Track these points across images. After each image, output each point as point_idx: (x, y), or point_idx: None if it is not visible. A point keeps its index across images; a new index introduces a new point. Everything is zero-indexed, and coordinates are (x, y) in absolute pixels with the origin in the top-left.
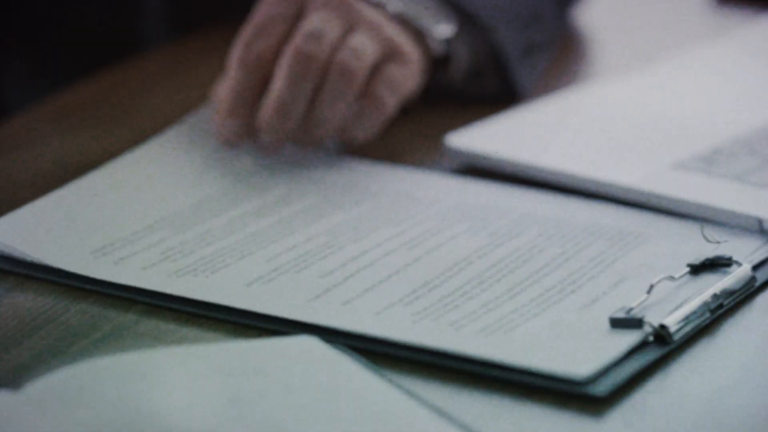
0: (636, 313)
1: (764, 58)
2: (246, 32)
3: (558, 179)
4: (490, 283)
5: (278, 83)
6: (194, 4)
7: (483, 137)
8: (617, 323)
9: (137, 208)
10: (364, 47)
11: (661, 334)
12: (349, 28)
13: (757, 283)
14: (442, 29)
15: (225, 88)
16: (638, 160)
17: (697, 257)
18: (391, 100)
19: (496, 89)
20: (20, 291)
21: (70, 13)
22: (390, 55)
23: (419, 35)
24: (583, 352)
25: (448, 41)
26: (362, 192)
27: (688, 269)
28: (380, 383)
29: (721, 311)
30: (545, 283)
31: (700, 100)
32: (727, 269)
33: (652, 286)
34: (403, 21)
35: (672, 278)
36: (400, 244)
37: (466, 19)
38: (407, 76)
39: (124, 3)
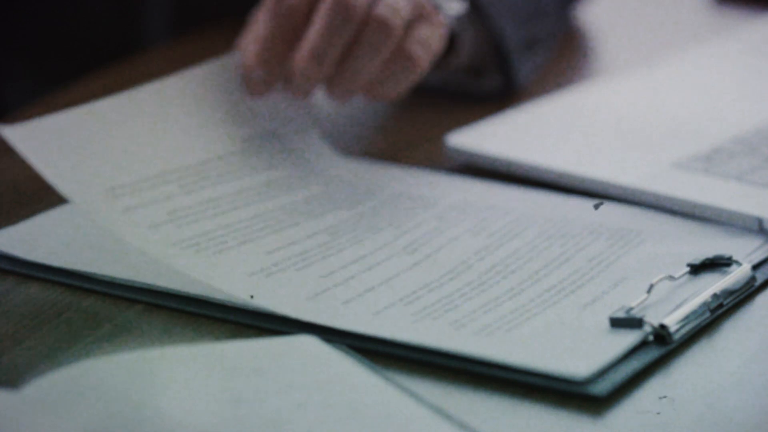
0: (636, 313)
1: (764, 58)
2: None
3: (558, 179)
4: (490, 284)
5: (315, 30)
6: (198, 4)
7: (483, 137)
8: (617, 323)
9: (151, 149)
10: (399, 4)
11: (661, 334)
12: None
13: (757, 283)
14: (454, 6)
15: (254, 39)
16: (638, 159)
17: (697, 257)
18: (424, 58)
19: (496, 87)
20: (20, 291)
21: (72, 13)
22: (420, 16)
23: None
24: (583, 351)
25: (457, 21)
26: (363, 191)
27: (688, 269)
28: (380, 383)
29: (721, 311)
30: (545, 283)
31: (700, 100)
32: (727, 269)
33: (651, 286)
34: None
35: (672, 278)
36: (400, 246)
37: (472, 9)
38: (437, 37)
39: (127, 3)
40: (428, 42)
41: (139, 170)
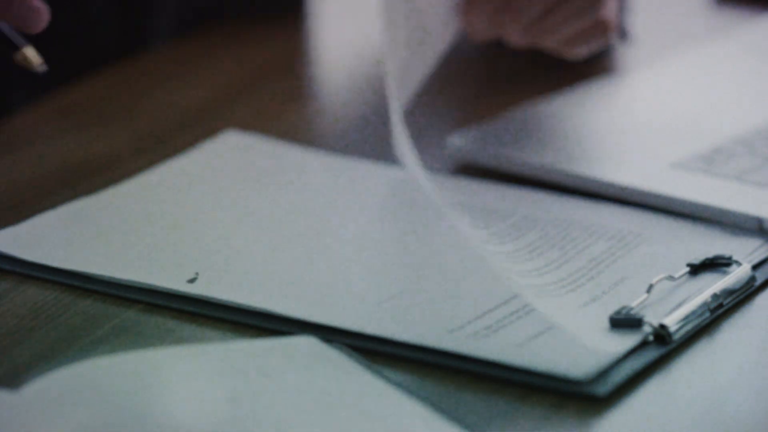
0: (636, 313)
1: (764, 57)
2: None
3: (558, 179)
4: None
5: None
6: (201, 4)
7: (483, 137)
8: (617, 323)
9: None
10: None
11: (661, 334)
12: None
13: (757, 283)
14: None
15: None
16: (638, 159)
17: (697, 257)
18: (614, 26)
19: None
20: (20, 291)
21: (73, 13)
22: None
23: None
24: (583, 351)
25: None
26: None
27: (687, 269)
28: (379, 383)
29: (720, 311)
30: (545, 283)
31: (701, 100)
32: (727, 269)
33: (651, 286)
34: None
35: (672, 278)
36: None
37: None
38: (617, 2)
39: (130, 3)
40: (614, 11)
41: None
